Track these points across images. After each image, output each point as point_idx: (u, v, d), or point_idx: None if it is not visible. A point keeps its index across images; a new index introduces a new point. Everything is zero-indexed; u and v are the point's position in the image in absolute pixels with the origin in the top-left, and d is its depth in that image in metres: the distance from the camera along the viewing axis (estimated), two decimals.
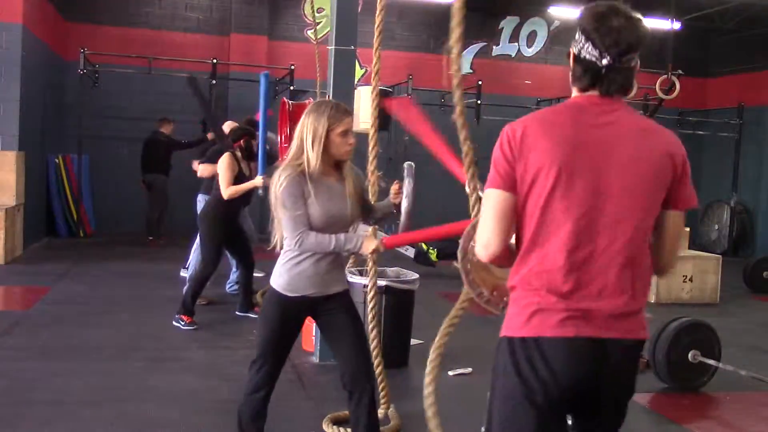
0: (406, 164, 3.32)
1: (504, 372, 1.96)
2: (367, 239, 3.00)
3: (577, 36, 1.96)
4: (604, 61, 1.91)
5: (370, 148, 3.78)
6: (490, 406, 2.04)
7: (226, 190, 5.76)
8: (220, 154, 6.01)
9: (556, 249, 1.91)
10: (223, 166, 5.82)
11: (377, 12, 3.67)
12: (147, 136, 10.68)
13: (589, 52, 1.92)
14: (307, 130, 2.98)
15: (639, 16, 1.94)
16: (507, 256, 2.00)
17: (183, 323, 5.81)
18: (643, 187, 1.92)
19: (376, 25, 3.74)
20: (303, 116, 3.02)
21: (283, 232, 2.99)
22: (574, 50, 1.98)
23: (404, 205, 3.11)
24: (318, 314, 3.13)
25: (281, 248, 3.07)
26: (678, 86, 9.61)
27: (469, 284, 2.45)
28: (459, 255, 2.44)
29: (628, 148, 1.92)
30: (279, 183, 2.96)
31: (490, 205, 1.96)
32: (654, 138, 1.97)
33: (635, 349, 1.98)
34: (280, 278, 3.04)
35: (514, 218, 1.96)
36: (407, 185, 3.17)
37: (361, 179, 3.23)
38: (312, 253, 2.98)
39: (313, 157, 2.96)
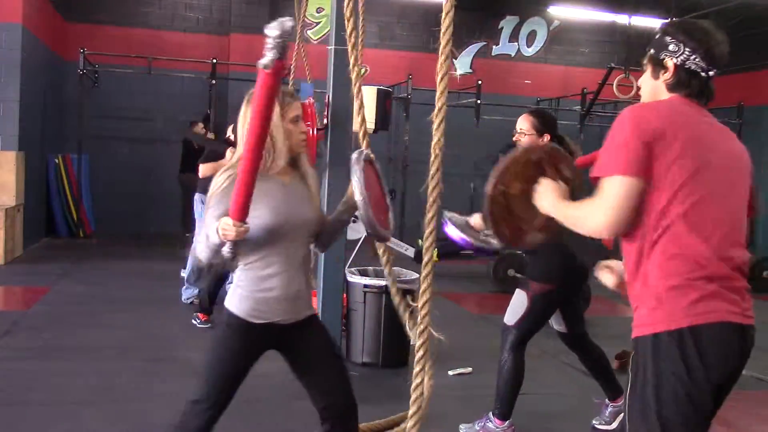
0: (353, 154, 2.72)
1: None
2: (217, 223, 2.31)
3: (673, 47, 2.12)
4: (711, 73, 2.11)
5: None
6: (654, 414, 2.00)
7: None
8: (216, 153, 6.04)
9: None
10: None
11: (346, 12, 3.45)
12: (183, 138, 10.67)
13: (696, 63, 2.10)
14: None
15: None
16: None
17: (199, 321, 5.86)
18: (745, 186, 2.12)
19: (350, 18, 3.48)
20: (243, 106, 2.52)
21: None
22: (675, 61, 2.12)
23: (357, 198, 2.51)
24: (286, 344, 2.59)
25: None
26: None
27: (490, 219, 2.43)
28: (487, 196, 2.38)
29: (733, 148, 2.13)
30: (220, 184, 2.44)
31: (624, 190, 1.99)
32: (738, 144, 2.18)
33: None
34: (243, 302, 2.49)
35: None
36: (355, 177, 2.56)
37: (319, 180, 2.72)
38: (280, 270, 2.48)
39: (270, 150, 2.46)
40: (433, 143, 2.70)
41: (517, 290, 3.77)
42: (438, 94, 2.69)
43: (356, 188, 2.51)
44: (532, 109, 3.90)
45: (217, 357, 2.54)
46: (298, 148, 2.55)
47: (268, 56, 2.14)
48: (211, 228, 2.33)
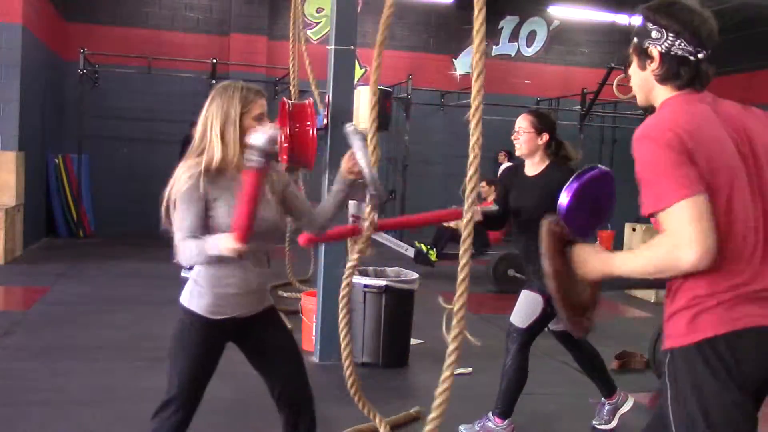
0: (347, 126, 2.78)
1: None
2: (225, 238, 2.36)
3: (656, 33, 1.96)
4: (700, 55, 1.93)
5: (370, 150, 3.66)
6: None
7: None
8: None
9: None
10: None
11: (385, 11, 3.54)
12: (183, 138, 10.68)
13: (682, 48, 1.93)
14: (215, 117, 2.47)
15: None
16: None
17: None
18: None
19: (381, 23, 3.58)
20: (207, 103, 2.54)
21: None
22: (659, 48, 1.96)
23: (365, 172, 2.61)
24: (245, 337, 2.62)
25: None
26: None
27: (565, 308, 2.11)
28: (550, 277, 2.08)
29: (756, 125, 1.94)
30: (179, 183, 2.44)
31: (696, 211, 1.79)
32: (757, 111, 2.01)
33: None
34: (202, 299, 2.51)
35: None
36: (358, 149, 2.64)
37: (285, 177, 2.70)
38: (239, 266, 2.47)
39: (224, 149, 2.43)
40: (472, 142, 2.73)
41: (525, 291, 3.73)
42: (474, 93, 2.70)
43: (361, 158, 2.60)
44: (532, 109, 3.92)
45: (181, 355, 2.54)
46: None
47: (255, 161, 2.27)
48: (198, 242, 2.42)
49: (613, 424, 4.02)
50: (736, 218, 1.86)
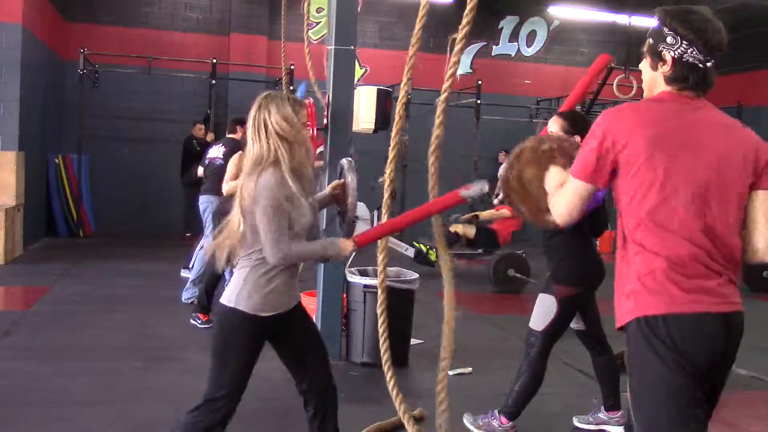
0: (344, 160, 3.07)
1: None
2: (342, 242, 2.72)
3: (671, 39, 2.10)
4: (709, 64, 2.10)
5: (391, 147, 3.62)
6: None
7: (225, 185, 5.84)
8: (228, 153, 6.15)
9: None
10: (231, 164, 5.95)
11: (419, 16, 3.60)
12: (184, 139, 10.68)
13: (693, 56, 2.08)
14: (277, 123, 2.65)
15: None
16: None
17: (200, 321, 5.84)
18: (734, 176, 2.08)
19: (418, 21, 3.62)
20: (259, 110, 2.70)
21: (262, 243, 2.62)
22: (673, 54, 2.10)
23: (350, 204, 2.91)
24: (282, 332, 2.82)
25: (235, 263, 2.73)
26: None
27: (507, 200, 2.67)
28: (502, 178, 2.63)
29: (719, 141, 2.09)
30: (266, 184, 2.60)
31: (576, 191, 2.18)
32: (739, 134, 2.16)
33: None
34: (251, 299, 2.67)
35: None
36: (351, 181, 2.94)
37: (311, 177, 2.97)
38: (282, 266, 2.68)
39: (293, 152, 2.66)
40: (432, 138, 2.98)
41: (541, 295, 3.74)
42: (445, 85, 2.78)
43: (351, 194, 2.91)
44: (563, 112, 3.85)
45: (231, 352, 2.70)
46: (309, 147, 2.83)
47: (469, 197, 2.95)
48: (311, 245, 2.70)
49: (592, 428, 4.03)
50: (671, 212, 2.03)
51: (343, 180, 2.99)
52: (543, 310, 3.70)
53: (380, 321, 3.46)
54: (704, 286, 2.02)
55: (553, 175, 2.41)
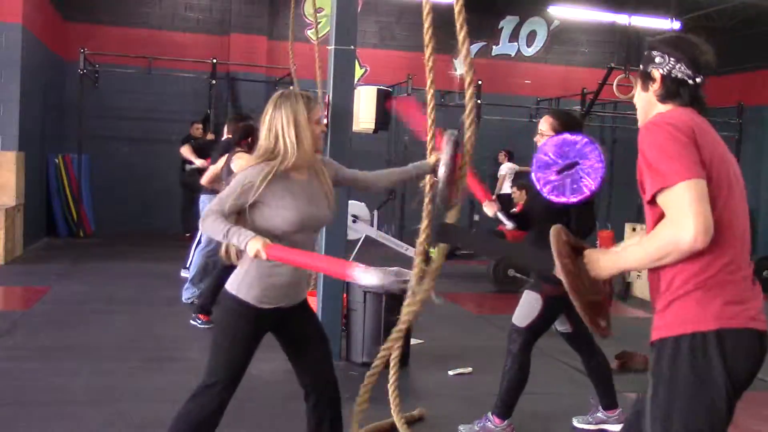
0: (448, 133, 3.06)
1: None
2: (253, 239, 2.55)
3: (659, 59, 2.13)
4: (698, 80, 2.12)
5: (428, 139, 3.59)
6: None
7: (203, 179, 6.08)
8: (219, 153, 6.16)
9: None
10: (216, 166, 6.03)
11: (424, 18, 3.60)
12: (183, 138, 10.67)
13: (682, 71, 2.11)
14: (287, 123, 2.67)
15: None
16: None
17: (200, 322, 5.84)
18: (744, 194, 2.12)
19: (425, 29, 3.61)
20: (273, 108, 2.72)
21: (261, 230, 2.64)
22: (661, 71, 2.13)
23: (440, 172, 2.93)
24: (285, 326, 2.84)
25: (237, 257, 2.74)
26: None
27: (582, 306, 2.16)
28: (563, 275, 2.14)
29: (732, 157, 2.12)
30: (249, 170, 2.65)
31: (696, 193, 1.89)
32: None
33: None
34: (252, 289, 2.69)
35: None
36: (445, 154, 2.95)
37: (333, 166, 2.94)
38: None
39: (300, 151, 2.68)
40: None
41: (527, 291, 3.75)
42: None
43: (443, 166, 2.92)
44: (554, 110, 3.83)
45: (229, 340, 2.73)
46: (318, 145, 2.79)
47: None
48: (229, 226, 2.59)
49: (593, 428, 4.03)
50: (732, 211, 1.99)
51: (447, 154, 2.96)
52: (527, 306, 3.70)
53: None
54: (752, 301, 1.99)
55: (599, 253, 2.16)
